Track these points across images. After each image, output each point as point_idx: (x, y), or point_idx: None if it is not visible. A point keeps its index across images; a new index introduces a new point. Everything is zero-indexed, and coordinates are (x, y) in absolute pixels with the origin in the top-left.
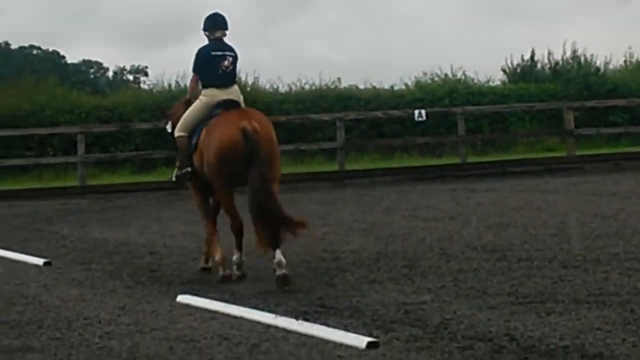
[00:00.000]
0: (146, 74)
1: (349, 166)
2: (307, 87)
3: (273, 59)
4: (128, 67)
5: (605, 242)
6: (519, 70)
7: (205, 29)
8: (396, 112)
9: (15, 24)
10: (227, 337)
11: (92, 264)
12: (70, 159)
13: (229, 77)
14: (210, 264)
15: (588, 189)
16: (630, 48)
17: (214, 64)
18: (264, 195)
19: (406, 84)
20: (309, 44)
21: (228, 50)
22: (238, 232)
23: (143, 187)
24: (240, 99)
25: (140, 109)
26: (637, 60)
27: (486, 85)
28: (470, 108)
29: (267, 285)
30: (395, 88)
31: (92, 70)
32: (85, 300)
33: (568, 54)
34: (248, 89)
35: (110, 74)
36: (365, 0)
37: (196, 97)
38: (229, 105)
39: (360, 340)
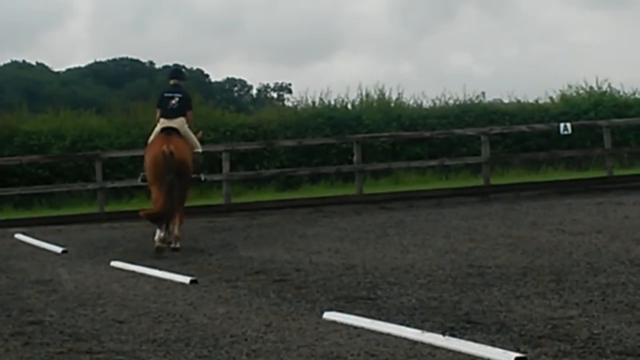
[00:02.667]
0: (290, 91)
1: (495, 181)
2: (450, 101)
3: (417, 73)
4: (272, 85)
5: None
6: None
7: (167, 78)
8: (541, 126)
9: (159, 42)
10: (373, 354)
11: (238, 282)
12: (216, 177)
13: (174, 112)
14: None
15: None
16: None
17: (166, 102)
18: (172, 192)
19: (551, 97)
20: (452, 57)
21: (177, 93)
22: (159, 217)
23: (288, 204)
24: (182, 127)
25: (285, 126)
26: None
27: (632, 97)
28: (617, 121)
29: (413, 301)
30: (540, 101)
31: (235, 89)
32: (232, 318)
33: None
34: (392, 104)
35: (254, 91)
36: (509, 11)
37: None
38: (167, 130)
39: (507, 356)
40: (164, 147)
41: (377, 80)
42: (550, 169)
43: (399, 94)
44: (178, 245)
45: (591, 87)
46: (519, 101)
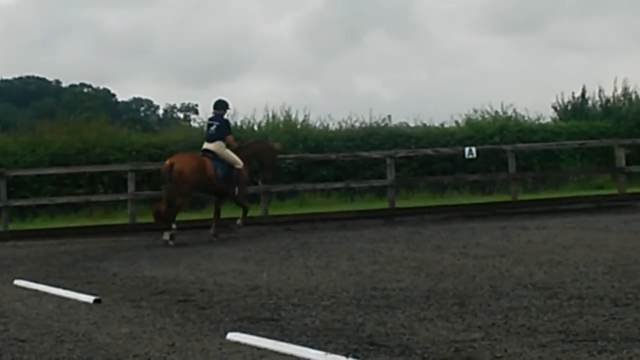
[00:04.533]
0: (196, 112)
1: (399, 204)
2: (357, 124)
3: (323, 96)
4: (178, 105)
5: None
6: (569, 107)
7: (212, 108)
8: (447, 150)
9: (67, 61)
10: None
11: (142, 302)
12: (121, 197)
13: (212, 136)
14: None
15: (639, 226)
16: None
17: (208, 128)
18: (169, 197)
19: (457, 122)
20: (359, 80)
21: (216, 122)
22: (154, 216)
23: (193, 225)
24: (219, 149)
25: (191, 146)
26: None
27: (537, 122)
28: (521, 145)
29: (317, 323)
30: (446, 125)
31: (142, 108)
32: (135, 337)
33: (619, 91)
34: (298, 126)
35: (160, 111)
36: (416, 36)
37: None
38: (204, 152)
39: None
40: (167, 161)
41: (284, 102)
42: (455, 192)
43: (305, 116)
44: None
45: (496, 112)
46: (424, 125)
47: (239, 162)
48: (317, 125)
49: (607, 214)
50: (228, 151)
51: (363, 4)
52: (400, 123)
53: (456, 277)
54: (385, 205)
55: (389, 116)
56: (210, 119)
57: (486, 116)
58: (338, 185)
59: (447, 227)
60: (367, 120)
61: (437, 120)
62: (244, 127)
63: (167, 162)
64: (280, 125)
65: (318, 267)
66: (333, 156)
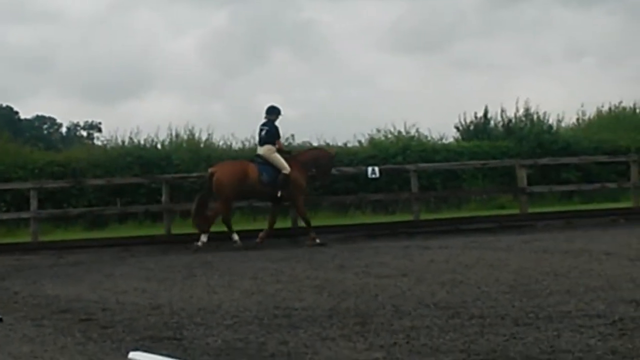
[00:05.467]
0: (100, 130)
1: (302, 223)
2: None
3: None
4: (82, 123)
5: (558, 299)
6: (472, 127)
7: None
8: (349, 169)
9: None
10: None
11: (43, 320)
12: (23, 215)
13: (262, 140)
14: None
15: (540, 246)
16: (582, 106)
17: (259, 133)
18: (201, 205)
19: (360, 141)
20: (262, 99)
21: (266, 126)
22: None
23: (96, 244)
24: (268, 153)
25: (94, 164)
26: (589, 118)
27: (439, 142)
28: (424, 165)
29: (219, 342)
30: (349, 145)
31: (45, 126)
32: (37, 357)
33: (521, 111)
34: (201, 144)
35: (63, 129)
36: (320, 56)
37: None
38: (255, 157)
39: None
40: (210, 170)
41: (187, 121)
42: (358, 212)
43: (208, 134)
44: (317, 240)
45: (399, 132)
46: (327, 144)
47: (286, 167)
48: (221, 144)
49: (508, 233)
50: (277, 155)
51: (267, 23)
52: (304, 142)
53: (358, 296)
54: (288, 224)
55: (293, 135)
56: (262, 125)
57: (389, 136)
58: (241, 204)
59: (350, 246)
60: None
61: (340, 140)
62: (147, 145)
63: (210, 170)
64: (184, 144)
65: (221, 286)
66: None
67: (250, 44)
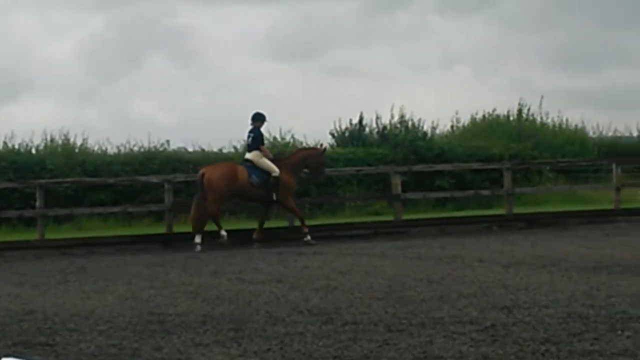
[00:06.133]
0: None
1: (177, 228)
2: (135, 148)
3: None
4: None
5: (431, 305)
6: (347, 134)
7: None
8: None
9: None
10: None
11: None
12: None
13: (249, 147)
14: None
15: (414, 252)
16: (457, 113)
17: (247, 140)
18: (200, 203)
19: (235, 147)
20: (138, 104)
21: (252, 133)
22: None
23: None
24: (256, 158)
25: None
26: (463, 125)
27: None
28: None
29: (92, 348)
30: (224, 150)
31: None
32: None
33: (396, 118)
34: (76, 150)
35: None
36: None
37: None
38: (243, 161)
39: None
40: (200, 171)
41: (62, 126)
42: (233, 217)
43: (83, 139)
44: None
45: (275, 138)
46: (203, 150)
47: (275, 170)
48: (96, 148)
49: (383, 240)
50: (265, 160)
51: (143, 28)
52: (179, 148)
53: (232, 302)
54: (162, 229)
55: (168, 141)
56: (249, 132)
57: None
58: (116, 209)
59: (224, 252)
60: (146, 145)
61: (215, 146)
62: (22, 150)
63: (200, 171)
64: (59, 149)
65: (94, 291)
66: (111, 180)
67: (126, 49)
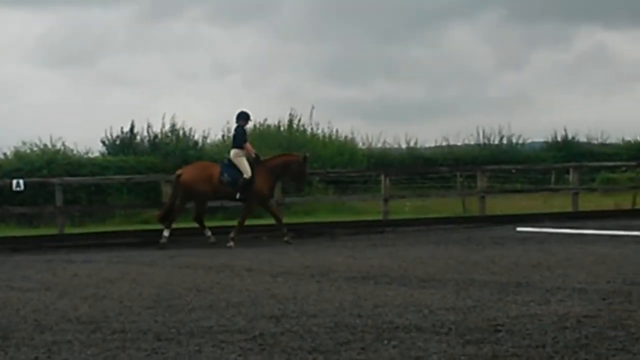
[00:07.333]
0: None
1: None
2: None
3: None
4: None
5: (200, 314)
6: (118, 142)
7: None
8: None
9: None
10: None
11: None
12: None
13: (232, 145)
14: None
15: (184, 262)
16: (228, 123)
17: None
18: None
19: (5, 154)
20: None
21: (235, 131)
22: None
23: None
24: (234, 156)
25: None
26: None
27: (85, 156)
28: (69, 179)
29: None
30: None
31: None
32: None
33: (167, 127)
34: None
35: None
36: None
37: None
38: (224, 159)
39: None
40: (180, 171)
41: None
42: (2, 225)
43: None
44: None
45: (45, 145)
46: None
47: (247, 172)
48: None
49: (152, 248)
50: (241, 159)
51: None
52: None
53: (0, 310)
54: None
55: None
56: (234, 130)
57: (35, 149)
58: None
59: None
60: None
61: None
62: None
63: (177, 172)
64: None
65: None
66: None
67: None
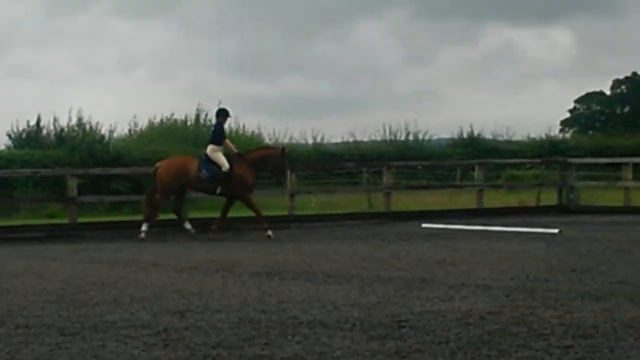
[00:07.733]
0: None
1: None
2: None
3: None
4: None
5: (104, 309)
6: (24, 135)
7: None
8: None
9: None
10: None
11: None
12: None
13: (210, 141)
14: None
15: (89, 256)
16: (134, 117)
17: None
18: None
19: None
20: None
21: (214, 127)
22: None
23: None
24: (210, 152)
25: None
26: (141, 129)
27: None
28: None
29: None
30: None
31: None
32: None
33: (74, 121)
34: None
35: None
36: None
37: None
38: (204, 154)
39: None
40: (156, 164)
41: None
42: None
43: None
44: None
45: None
46: None
47: (225, 165)
48: None
49: (58, 243)
50: (218, 154)
51: None
52: None
53: None
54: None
55: None
56: (213, 126)
57: None
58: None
59: None
60: None
61: None
62: None
63: (156, 165)
64: None
65: None
66: None
67: None
